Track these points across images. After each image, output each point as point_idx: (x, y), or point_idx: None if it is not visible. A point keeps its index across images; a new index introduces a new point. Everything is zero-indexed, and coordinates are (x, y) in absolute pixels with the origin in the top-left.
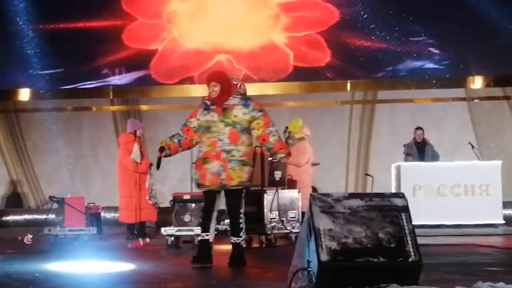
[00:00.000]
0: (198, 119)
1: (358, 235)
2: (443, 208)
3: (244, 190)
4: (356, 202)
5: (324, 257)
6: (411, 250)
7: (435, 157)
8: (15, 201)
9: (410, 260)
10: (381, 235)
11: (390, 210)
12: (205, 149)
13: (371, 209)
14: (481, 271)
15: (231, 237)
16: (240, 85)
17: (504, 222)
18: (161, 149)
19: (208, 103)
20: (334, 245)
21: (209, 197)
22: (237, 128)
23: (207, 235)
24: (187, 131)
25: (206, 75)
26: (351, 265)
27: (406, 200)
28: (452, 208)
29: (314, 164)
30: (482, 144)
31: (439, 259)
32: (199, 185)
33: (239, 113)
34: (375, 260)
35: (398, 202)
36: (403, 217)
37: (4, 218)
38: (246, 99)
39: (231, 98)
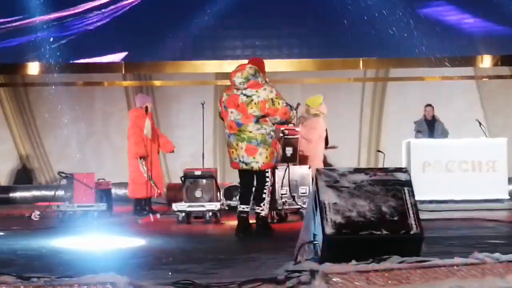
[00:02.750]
0: None
1: (362, 208)
2: (451, 184)
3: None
4: (360, 177)
5: (329, 230)
6: (413, 223)
7: (444, 134)
8: (24, 177)
9: (412, 232)
10: (384, 208)
11: (394, 184)
12: None
13: (375, 183)
14: (482, 244)
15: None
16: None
17: (509, 197)
18: None
19: None
20: (338, 218)
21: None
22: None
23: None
24: None
25: None
26: (355, 238)
27: (409, 174)
28: (460, 183)
29: (331, 147)
30: (489, 122)
31: (444, 232)
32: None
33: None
34: (378, 232)
35: (401, 176)
36: (406, 191)
37: (12, 195)
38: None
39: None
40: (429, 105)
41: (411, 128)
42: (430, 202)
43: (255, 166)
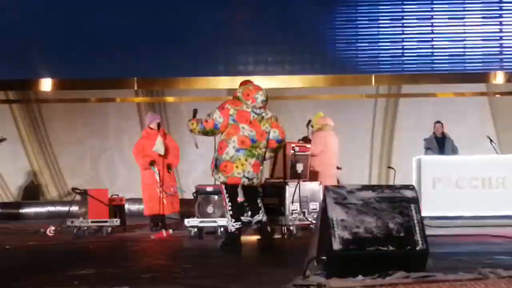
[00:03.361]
0: None
1: (369, 225)
2: (461, 200)
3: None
4: (368, 194)
5: (337, 246)
6: (419, 239)
7: (454, 151)
8: (37, 192)
9: (417, 248)
10: (391, 225)
11: (400, 201)
12: None
13: (382, 200)
14: (489, 260)
15: None
16: (239, 91)
17: None
18: None
19: None
20: (346, 234)
21: None
22: None
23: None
24: None
25: None
26: (362, 254)
27: (415, 192)
28: (470, 200)
29: (337, 168)
30: (501, 138)
31: (452, 248)
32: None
33: None
34: (385, 248)
35: (408, 193)
36: (412, 208)
37: (25, 210)
38: None
39: None
40: (439, 121)
41: (423, 145)
42: (440, 218)
43: (255, 182)
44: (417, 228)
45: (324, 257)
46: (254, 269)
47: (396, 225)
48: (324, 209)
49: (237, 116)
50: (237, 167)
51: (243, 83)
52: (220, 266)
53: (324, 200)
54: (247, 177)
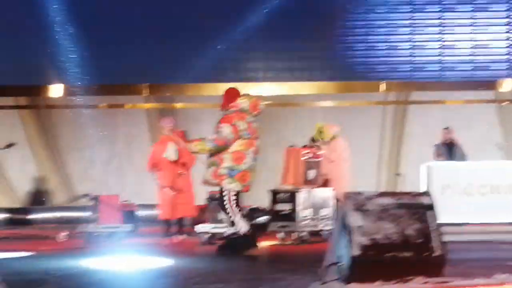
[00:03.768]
0: None
1: (388, 231)
2: (470, 207)
3: (221, 189)
4: (386, 200)
5: (355, 251)
6: (436, 245)
7: (463, 157)
8: (46, 198)
9: (435, 254)
10: (408, 231)
11: (418, 208)
12: None
13: (400, 207)
14: (502, 266)
15: None
16: (243, 102)
17: None
18: None
19: None
20: (364, 240)
21: None
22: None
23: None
24: None
25: None
26: (380, 259)
27: (432, 199)
28: (479, 206)
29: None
30: (509, 145)
31: (464, 255)
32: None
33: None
34: (403, 254)
35: (425, 200)
36: (429, 214)
37: (34, 216)
38: (226, 113)
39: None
40: (447, 128)
41: (432, 152)
42: (449, 225)
43: None
44: (434, 235)
45: (342, 263)
46: (270, 274)
47: (414, 232)
48: (342, 215)
49: (249, 129)
50: (251, 176)
51: (231, 92)
52: (237, 272)
53: (343, 206)
54: (251, 185)
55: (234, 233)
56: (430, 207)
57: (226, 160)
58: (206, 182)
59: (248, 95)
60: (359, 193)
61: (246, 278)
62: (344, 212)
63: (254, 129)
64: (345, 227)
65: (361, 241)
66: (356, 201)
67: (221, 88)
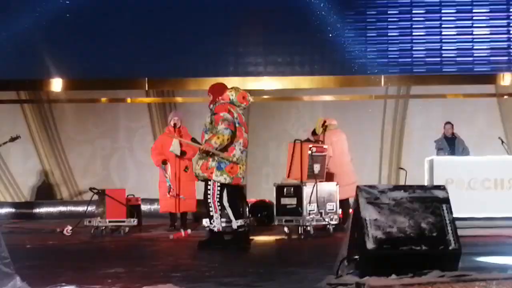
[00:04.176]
0: None
1: (402, 224)
2: (474, 201)
3: (209, 181)
4: (400, 194)
5: (370, 245)
6: (452, 239)
7: (465, 151)
8: (47, 192)
9: (450, 248)
10: (423, 224)
11: (432, 201)
12: None
13: (414, 200)
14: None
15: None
16: (232, 95)
17: None
18: None
19: None
20: (379, 234)
21: None
22: (203, 129)
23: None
24: None
25: None
26: (395, 253)
27: (447, 192)
28: (483, 201)
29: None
30: (510, 139)
31: (472, 249)
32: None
33: (207, 117)
34: (418, 248)
35: (439, 194)
36: (444, 208)
37: (37, 210)
38: (215, 105)
39: (210, 105)
40: (448, 122)
41: (433, 146)
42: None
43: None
44: (449, 228)
45: (356, 257)
46: (281, 268)
47: (429, 225)
48: (356, 209)
49: (239, 119)
50: (240, 168)
51: (219, 86)
52: (247, 265)
53: (357, 199)
54: (243, 177)
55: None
56: (445, 200)
57: (235, 151)
58: (196, 177)
59: (235, 88)
60: (372, 187)
61: (258, 272)
62: (357, 206)
63: (244, 122)
64: (359, 221)
65: (376, 235)
66: (369, 195)
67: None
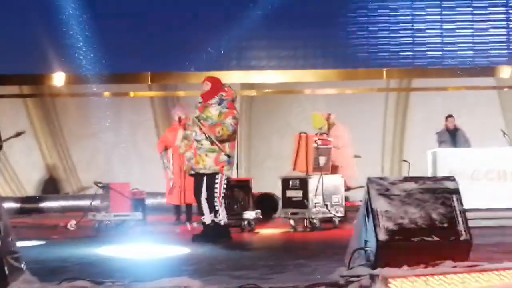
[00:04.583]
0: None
1: (413, 215)
2: (477, 193)
3: (217, 175)
4: (410, 185)
5: (382, 236)
6: (462, 229)
7: (466, 143)
8: (51, 186)
9: (461, 238)
10: (434, 215)
11: (442, 192)
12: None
13: (424, 191)
14: None
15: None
16: (228, 91)
17: None
18: None
19: (198, 100)
20: (391, 225)
21: (194, 182)
22: (208, 122)
23: (203, 218)
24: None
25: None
26: (407, 244)
27: (457, 183)
28: (486, 192)
29: (355, 156)
30: (510, 131)
31: (480, 240)
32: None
33: (212, 110)
34: (429, 239)
35: (449, 185)
36: (454, 199)
37: (40, 204)
38: (222, 100)
39: (214, 98)
40: (451, 115)
41: (435, 138)
42: None
43: None
44: (460, 219)
45: (368, 248)
46: (290, 261)
47: (439, 216)
48: (367, 201)
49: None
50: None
51: (218, 81)
52: (255, 259)
53: (368, 191)
54: None
55: (214, 222)
56: (455, 191)
57: (226, 147)
58: (201, 168)
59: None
60: (383, 178)
61: (268, 265)
62: (368, 197)
63: None
64: (370, 212)
65: (388, 226)
66: (380, 186)
67: (225, 76)
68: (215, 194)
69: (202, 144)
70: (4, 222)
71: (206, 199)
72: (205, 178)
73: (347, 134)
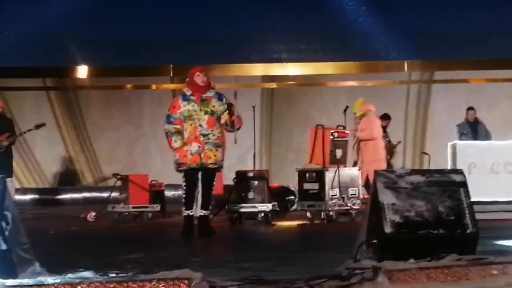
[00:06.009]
0: (180, 110)
1: (420, 208)
2: (497, 185)
3: (219, 170)
4: (417, 178)
5: (388, 229)
6: (469, 222)
7: (487, 136)
8: (72, 178)
9: (468, 231)
10: (441, 208)
11: (449, 185)
12: (186, 135)
13: (431, 184)
14: None
15: (201, 210)
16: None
17: None
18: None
19: (188, 93)
20: (397, 218)
21: (190, 176)
22: (214, 116)
23: (191, 212)
24: (180, 123)
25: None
26: (413, 237)
27: (464, 176)
28: (506, 185)
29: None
30: None
31: (494, 232)
32: (179, 165)
33: (216, 104)
34: (436, 232)
35: (456, 178)
36: (462, 191)
37: (62, 196)
38: (219, 94)
39: (208, 91)
40: (471, 108)
41: (456, 130)
42: (476, 203)
43: None
44: (467, 212)
45: (374, 241)
46: (300, 253)
47: (446, 209)
48: (374, 193)
49: None
50: None
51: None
52: (266, 250)
53: (375, 184)
54: None
55: (201, 216)
56: (463, 184)
57: (223, 142)
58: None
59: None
60: (390, 171)
61: (278, 256)
62: (375, 190)
63: None
64: (376, 205)
65: (394, 219)
66: (387, 179)
67: (245, 69)
68: (212, 188)
69: (209, 139)
70: (12, 213)
71: (203, 192)
72: (201, 173)
73: (379, 124)
